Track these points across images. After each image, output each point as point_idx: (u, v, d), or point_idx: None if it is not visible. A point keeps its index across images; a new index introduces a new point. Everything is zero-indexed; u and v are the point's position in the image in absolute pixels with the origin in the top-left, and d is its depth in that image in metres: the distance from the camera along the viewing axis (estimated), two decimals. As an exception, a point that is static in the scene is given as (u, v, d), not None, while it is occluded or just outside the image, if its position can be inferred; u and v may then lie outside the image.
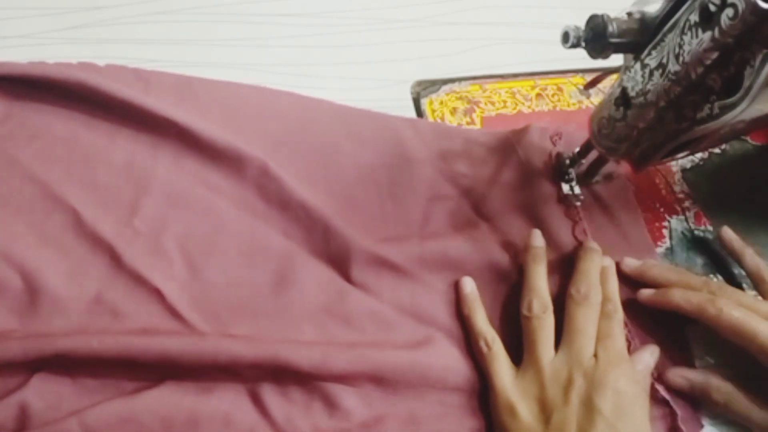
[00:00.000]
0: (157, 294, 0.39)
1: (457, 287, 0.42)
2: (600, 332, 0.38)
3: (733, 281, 0.44)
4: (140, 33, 0.53)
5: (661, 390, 0.39)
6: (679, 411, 0.38)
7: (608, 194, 0.47)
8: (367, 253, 0.42)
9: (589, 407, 0.34)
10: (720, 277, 0.45)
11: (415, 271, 0.42)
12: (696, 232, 0.47)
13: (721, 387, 0.39)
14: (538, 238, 0.43)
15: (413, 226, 0.45)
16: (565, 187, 0.46)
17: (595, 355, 0.37)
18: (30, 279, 0.39)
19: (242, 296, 0.40)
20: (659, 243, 0.46)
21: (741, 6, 0.27)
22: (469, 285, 0.42)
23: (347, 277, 0.42)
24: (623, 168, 0.48)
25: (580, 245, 0.43)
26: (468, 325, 0.40)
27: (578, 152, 0.45)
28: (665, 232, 0.47)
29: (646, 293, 0.41)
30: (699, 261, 0.45)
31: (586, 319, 0.38)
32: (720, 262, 0.45)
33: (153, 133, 0.46)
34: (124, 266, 0.40)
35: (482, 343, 0.39)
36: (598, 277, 0.41)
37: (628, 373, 0.36)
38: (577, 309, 0.39)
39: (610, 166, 0.45)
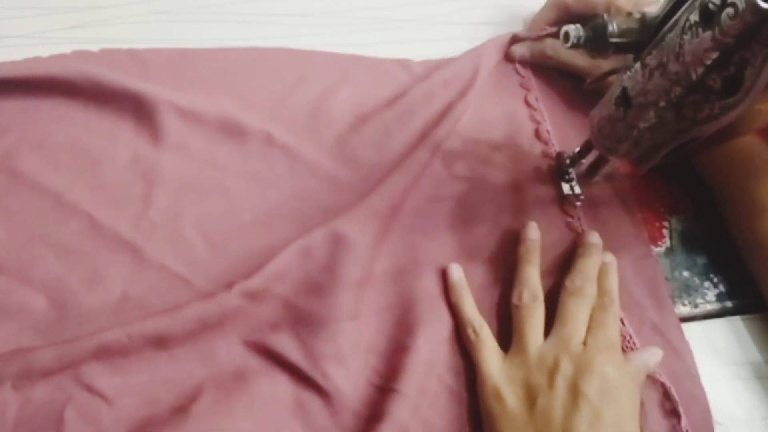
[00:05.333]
0: (183, 281, 0.40)
1: (444, 274, 0.42)
2: (593, 321, 0.38)
3: (735, 282, 0.44)
4: (140, 33, 0.52)
5: (673, 398, 0.38)
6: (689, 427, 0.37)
7: (607, 194, 0.47)
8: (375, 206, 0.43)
9: (574, 391, 0.34)
10: (720, 277, 0.45)
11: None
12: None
13: (553, 44, 0.50)
14: (533, 231, 0.43)
15: (412, 168, 0.45)
16: (565, 187, 0.46)
17: (584, 343, 0.37)
18: (53, 295, 0.39)
19: (266, 264, 0.41)
20: (659, 243, 0.46)
21: (741, 6, 0.27)
22: (456, 272, 0.41)
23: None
24: (623, 168, 0.48)
25: (579, 238, 0.43)
26: (456, 313, 0.40)
27: (578, 152, 0.45)
28: (665, 232, 0.47)
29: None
30: (699, 261, 0.45)
31: (578, 308, 0.38)
32: (721, 262, 0.45)
33: (154, 122, 0.46)
34: (147, 260, 0.40)
35: (470, 331, 0.39)
36: (595, 273, 0.40)
37: (617, 362, 0.36)
38: (569, 299, 0.39)
39: (610, 166, 0.45)
